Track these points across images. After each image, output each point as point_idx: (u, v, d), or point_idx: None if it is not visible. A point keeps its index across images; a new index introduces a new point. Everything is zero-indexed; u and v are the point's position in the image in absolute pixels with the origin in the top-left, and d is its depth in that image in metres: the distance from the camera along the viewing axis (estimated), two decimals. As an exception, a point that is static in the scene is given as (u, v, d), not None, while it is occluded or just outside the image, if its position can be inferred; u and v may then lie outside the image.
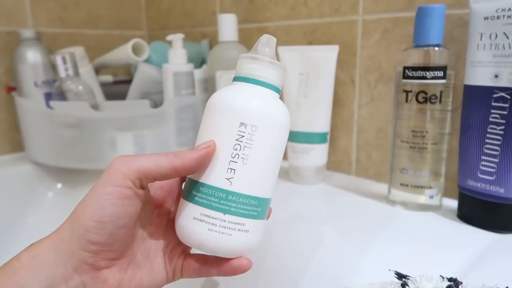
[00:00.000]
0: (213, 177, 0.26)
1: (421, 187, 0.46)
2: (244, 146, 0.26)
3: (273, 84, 0.28)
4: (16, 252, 0.25)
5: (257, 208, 0.27)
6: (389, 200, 0.49)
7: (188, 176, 0.28)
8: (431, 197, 0.46)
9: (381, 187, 0.55)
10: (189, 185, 0.28)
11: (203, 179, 0.26)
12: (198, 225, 0.26)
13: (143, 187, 0.26)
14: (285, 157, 0.60)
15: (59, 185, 0.69)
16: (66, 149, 0.62)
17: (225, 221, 0.26)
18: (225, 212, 0.26)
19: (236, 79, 0.28)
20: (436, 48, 0.43)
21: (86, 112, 0.59)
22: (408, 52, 0.45)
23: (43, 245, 0.24)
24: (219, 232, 0.26)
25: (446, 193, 0.49)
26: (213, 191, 0.26)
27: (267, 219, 0.30)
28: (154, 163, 0.25)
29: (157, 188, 0.29)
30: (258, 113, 0.26)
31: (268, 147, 0.27)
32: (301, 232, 0.44)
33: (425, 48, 0.43)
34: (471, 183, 0.43)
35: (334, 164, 0.62)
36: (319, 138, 0.56)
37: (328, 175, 0.60)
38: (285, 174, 0.60)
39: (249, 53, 0.28)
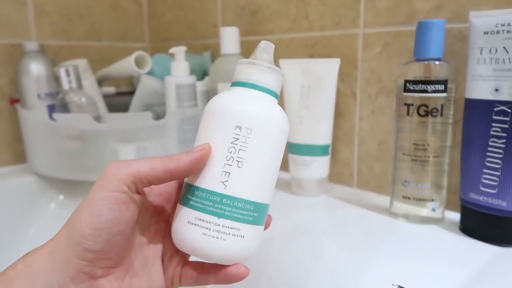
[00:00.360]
0: (208, 180, 0.26)
1: (423, 199, 0.46)
2: (239, 149, 0.26)
3: (271, 89, 0.27)
4: None
5: (253, 213, 0.26)
6: (391, 213, 0.49)
7: (184, 180, 0.28)
8: (433, 209, 0.46)
9: (383, 199, 0.55)
10: (184, 189, 0.27)
11: (197, 183, 0.26)
12: (192, 229, 0.26)
13: (138, 191, 0.25)
14: (286, 169, 0.60)
15: (61, 197, 0.69)
16: (68, 160, 0.62)
17: (219, 225, 0.25)
18: (219, 216, 0.25)
19: (234, 84, 0.28)
20: (437, 62, 0.44)
21: (89, 124, 0.59)
22: (409, 66, 0.45)
23: (39, 254, 0.24)
24: (213, 236, 0.25)
25: (448, 206, 0.49)
26: (208, 194, 0.26)
27: (267, 227, 0.29)
28: (149, 167, 0.25)
29: (155, 195, 0.29)
30: (254, 117, 0.26)
31: (264, 151, 0.26)
32: (303, 245, 0.43)
33: (426, 62, 0.44)
34: (473, 196, 0.43)
35: (336, 176, 0.62)
36: (320, 150, 0.56)
37: (330, 187, 0.60)
38: (286, 186, 0.60)
39: (247, 59, 0.28)
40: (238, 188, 0.26)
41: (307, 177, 0.57)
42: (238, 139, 0.26)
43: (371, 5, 0.54)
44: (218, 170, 0.26)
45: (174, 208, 0.29)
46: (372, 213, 0.51)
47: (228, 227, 0.26)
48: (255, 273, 0.39)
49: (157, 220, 0.29)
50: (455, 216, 0.48)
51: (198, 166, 0.26)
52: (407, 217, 0.48)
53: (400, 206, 0.48)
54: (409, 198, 0.47)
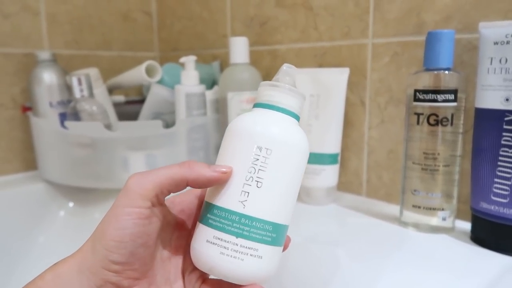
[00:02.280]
0: (227, 199, 0.26)
1: (434, 209, 0.46)
2: (259, 169, 0.26)
3: (292, 110, 0.28)
4: (26, 269, 0.25)
5: (271, 233, 0.26)
6: (401, 222, 0.49)
7: (205, 199, 0.28)
8: (444, 219, 0.46)
9: (392, 209, 0.55)
10: (204, 208, 0.28)
11: (217, 202, 0.26)
12: (210, 248, 0.26)
13: (160, 203, 0.27)
14: (295, 177, 0.60)
15: (71, 204, 0.70)
16: (78, 168, 0.63)
17: (237, 245, 0.25)
18: (237, 235, 0.25)
19: (257, 105, 0.29)
20: (446, 72, 0.44)
21: (100, 132, 0.60)
22: (418, 75, 0.45)
23: (67, 265, 0.25)
24: (231, 256, 0.25)
25: (458, 215, 0.49)
26: (226, 213, 0.26)
27: (286, 248, 0.29)
28: (168, 177, 0.26)
29: (178, 212, 0.30)
30: (274, 138, 0.26)
31: (283, 172, 0.26)
32: (313, 254, 0.43)
33: (436, 72, 0.44)
34: (484, 205, 0.43)
35: (345, 185, 0.62)
36: (330, 159, 0.56)
37: (339, 196, 0.60)
38: (295, 194, 0.60)
39: (269, 81, 0.29)
40: (257, 208, 0.26)
41: (316, 185, 0.57)
42: (258, 159, 0.26)
43: (380, 16, 0.54)
44: (237, 190, 0.26)
45: (194, 225, 0.30)
46: (382, 222, 0.51)
47: (246, 247, 0.26)
48: (268, 282, 0.39)
49: (178, 236, 0.30)
50: (465, 225, 0.47)
51: (215, 184, 0.27)
52: (417, 226, 0.48)
53: (410, 215, 0.48)
54: (419, 207, 0.47)
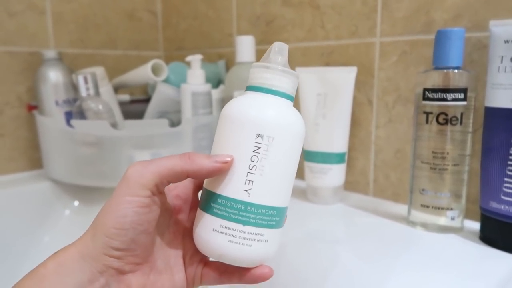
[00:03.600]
0: (231, 189, 0.26)
1: (442, 208, 0.46)
2: (262, 158, 0.26)
3: (286, 92, 0.27)
4: (32, 268, 0.25)
5: (275, 217, 0.27)
6: (409, 221, 0.49)
7: (204, 186, 0.28)
8: (453, 218, 0.46)
9: (400, 208, 0.54)
10: (206, 196, 0.28)
11: (221, 191, 0.26)
12: (218, 237, 0.26)
13: (160, 192, 0.27)
14: (302, 177, 0.60)
15: (76, 203, 0.70)
16: (84, 167, 0.63)
17: (244, 232, 0.26)
18: (244, 223, 0.26)
19: (249, 88, 0.28)
20: (456, 71, 0.44)
21: (107, 130, 0.60)
22: (427, 74, 0.45)
23: (68, 253, 0.25)
24: (239, 243, 0.26)
25: (467, 215, 0.49)
26: (232, 203, 0.26)
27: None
28: (168, 168, 0.26)
29: (174, 197, 0.30)
30: (275, 124, 0.26)
31: (284, 157, 0.27)
32: (322, 254, 0.43)
33: (445, 70, 0.44)
34: (494, 205, 0.42)
35: (351, 184, 0.61)
36: (337, 158, 0.56)
37: (345, 195, 0.60)
38: (302, 194, 0.60)
39: (261, 62, 0.28)
40: (262, 195, 0.26)
41: (323, 185, 0.56)
42: (260, 147, 0.26)
43: (388, 15, 0.54)
44: (241, 179, 0.26)
45: (191, 209, 0.30)
46: (389, 222, 0.50)
47: (253, 234, 0.26)
48: (274, 281, 0.39)
49: (176, 221, 0.30)
50: (474, 225, 0.47)
51: (216, 175, 0.27)
52: (425, 226, 0.47)
53: (418, 215, 0.48)
54: (427, 207, 0.47)
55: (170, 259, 0.29)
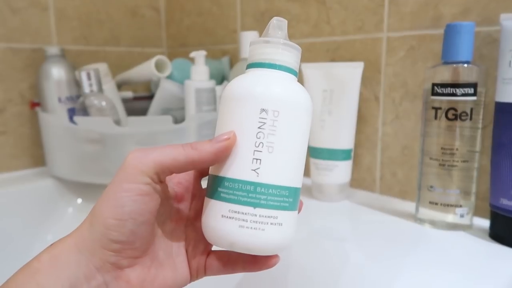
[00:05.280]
0: (238, 169, 0.24)
1: (451, 205, 0.45)
2: (268, 134, 0.24)
3: (290, 67, 0.26)
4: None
5: (288, 198, 0.25)
6: (416, 219, 0.48)
7: (210, 173, 0.27)
8: (462, 216, 0.45)
9: (407, 205, 0.54)
10: (212, 182, 0.26)
11: (227, 173, 0.25)
12: (227, 223, 0.24)
13: (161, 181, 0.25)
14: (308, 174, 0.59)
15: (79, 200, 0.69)
16: (87, 164, 0.62)
17: (256, 215, 0.24)
18: (255, 205, 0.24)
19: (250, 65, 0.26)
20: (465, 65, 0.43)
21: (110, 127, 0.59)
22: (436, 69, 0.44)
23: (64, 245, 0.24)
24: (251, 228, 0.24)
25: (476, 212, 0.48)
26: (240, 184, 0.24)
27: (299, 212, 0.28)
28: (171, 157, 0.24)
29: (175, 184, 0.28)
30: (279, 98, 0.24)
31: (293, 133, 0.25)
32: (329, 251, 0.43)
33: (454, 65, 0.43)
34: (504, 202, 0.42)
35: (357, 181, 0.61)
36: (343, 155, 0.55)
37: (351, 192, 0.60)
38: (308, 191, 0.59)
39: (261, 38, 0.26)
40: (271, 174, 0.24)
41: (329, 182, 0.56)
42: (265, 123, 0.24)
43: (395, 9, 0.53)
44: (248, 158, 0.24)
45: (193, 197, 0.29)
46: (397, 219, 0.50)
47: (266, 216, 0.24)
48: (279, 278, 0.38)
49: (178, 209, 0.28)
50: (484, 222, 0.47)
51: (222, 157, 0.25)
52: (434, 223, 0.47)
53: (426, 212, 0.47)
54: (436, 204, 0.46)
55: (172, 250, 0.27)
